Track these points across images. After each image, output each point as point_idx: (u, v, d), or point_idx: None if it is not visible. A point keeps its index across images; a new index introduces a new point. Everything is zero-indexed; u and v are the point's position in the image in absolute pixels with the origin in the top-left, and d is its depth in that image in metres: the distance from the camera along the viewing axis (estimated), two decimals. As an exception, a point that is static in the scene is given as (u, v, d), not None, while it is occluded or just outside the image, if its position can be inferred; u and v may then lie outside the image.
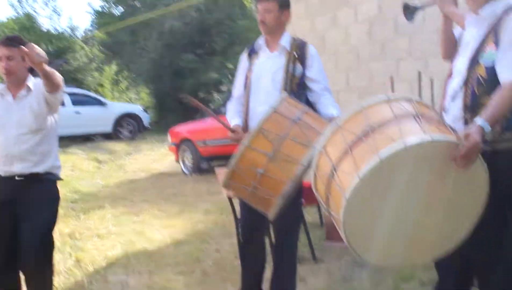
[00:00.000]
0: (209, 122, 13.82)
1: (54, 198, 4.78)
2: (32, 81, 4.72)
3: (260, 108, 4.53)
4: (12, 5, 45.28)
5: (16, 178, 4.61)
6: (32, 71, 4.68)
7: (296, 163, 3.83)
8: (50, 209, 4.72)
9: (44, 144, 4.67)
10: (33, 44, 4.19)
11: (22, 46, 4.18)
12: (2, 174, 4.65)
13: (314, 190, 3.42)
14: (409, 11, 4.44)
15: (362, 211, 3.05)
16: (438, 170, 3.01)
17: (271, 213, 4.04)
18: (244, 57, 5.09)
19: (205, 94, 21.73)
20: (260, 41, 4.98)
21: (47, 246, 4.69)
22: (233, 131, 4.75)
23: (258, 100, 4.75)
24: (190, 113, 22.50)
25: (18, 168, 4.59)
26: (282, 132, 3.91)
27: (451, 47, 4.09)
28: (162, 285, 6.11)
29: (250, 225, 4.85)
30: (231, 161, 3.97)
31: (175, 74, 26.75)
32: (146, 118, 24.37)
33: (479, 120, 3.11)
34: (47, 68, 4.28)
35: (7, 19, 37.98)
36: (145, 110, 25.65)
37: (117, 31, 32.16)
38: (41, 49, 4.20)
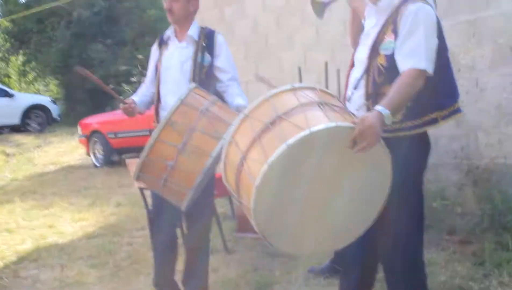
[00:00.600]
0: (119, 114, 13.63)
1: None
2: None
3: (170, 99, 4.51)
4: None
5: None
6: None
7: (205, 155, 3.86)
8: None
9: None
10: None
11: None
12: None
13: (224, 181, 3.44)
14: (318, 7, 4.53)
15: (273, 199, 3.09)
16: (343, 155, 3.08)
17: (183, 204, 4.06)
18: (154, 48, 5.08)
19: (115, 85, 21.40)
20: (169, 32, 4.96)
21: None
22: (123, 101, 4.70)
23: (168, 91, 4.74)
24: (100, 105, 22.20)
25: None
26: (191, 123, 3.92)
27: (356, 37, 4.19)
28: (74, 279, 6.06)
29: (161, 216, 4.84)
30: (141, 154, 3.97)
31: (84, 65, 26.05)
32: (55, 110, 23.90)
33: (378, 106, 3.20)
34: None
35: None
36: (54, 102, 25.13)
37: (23, 19, 31.28)
38: None
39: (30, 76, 35.22)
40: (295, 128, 3.00)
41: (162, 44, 4.99)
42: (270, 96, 3.28)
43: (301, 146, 2.95)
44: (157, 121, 4.74)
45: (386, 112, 3.15)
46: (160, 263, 4.98)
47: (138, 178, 4.16)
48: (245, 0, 9.04)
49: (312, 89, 3.33)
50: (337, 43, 7.40)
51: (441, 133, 6.12)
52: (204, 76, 4.75)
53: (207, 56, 4.80)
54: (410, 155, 3.51)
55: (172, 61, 4.84)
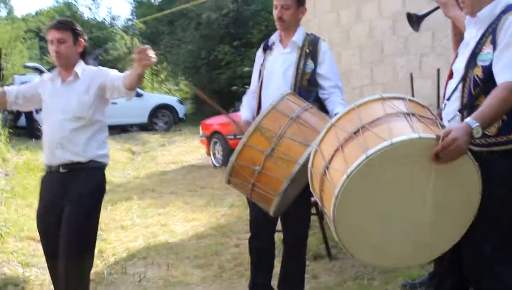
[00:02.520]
0: (239, 116, 13.79)
1: (97, 186, 4.62)
2: (82, 68, 4.60)
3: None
4: (53, -6, 46.04)
5: (61, 170, 4.51)
6: (83, 57, 4.64)
7: (293, 161, 3.84)
8: (92, 197, 4.57)
9: (86, 132, 4.51)
10: (146, 46, 4.12)
11: (145, 48, 4.04)
12: (48, 162, 4.57)
13: (311, 189, 3.43)
14: (414, 21, 4.44)
15: (352, 209, 3.04)
16: (426, 167, 2.99)
17: (271, 210, 4.07)
18: (259, 53, 5.13)
19: (240, 86, 21.69)
20: (274, 37, 4.99)
21: (86, 237, 4.55)
22: (239, 128, 4.78)
23: (269, 96, 4.74)
24: (226, 106, 22.57)
25: (60, 155, 4.47)
26: (280, 129, 3.92)
27: (457, 46, 4.09)
28: (178, 278, 6.19)
29: (257, 220, 4.87)
30: (231, 158, 4.01)
31: (212, 66, 26.74)
32: (181, 110, 24.47)
33: (468, 118, 3.08)
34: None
35: (48, 8, 38.61)
36: (181, 102, 25.76)
37: (155, 21, 32.34)
38: (153, 52, 4.07)
39: (162, 76, 36.32)
40: (377, 138, 2.96)
41: (267, 49, 5.04)
42: (357, 105, 3.24)
43: (382, 157, 2.90)
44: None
45: (475, 124, 3.03)
46: (256, 267, 5.02)
47: (229, 182, 4.20)
48: (362, 4, 8.93)
49: (402, 99, 3.25)
50: (452, 49, 7.19)
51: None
52: (305, 82, 4.75)
53: (310, 63, 4.78)
54: (504, 170, 3.36)
55: (275, 66, 4.86)
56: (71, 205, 4.45)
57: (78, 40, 4.56)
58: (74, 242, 4.45)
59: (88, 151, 4.52)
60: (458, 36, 4.24)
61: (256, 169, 3.91)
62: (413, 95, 6.66)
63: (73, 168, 4.49)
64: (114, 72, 4.56)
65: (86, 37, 4.66)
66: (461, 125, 3.04)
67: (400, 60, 8.34)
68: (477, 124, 3.04)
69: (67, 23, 4.58)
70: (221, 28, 26.75)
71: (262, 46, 5.13)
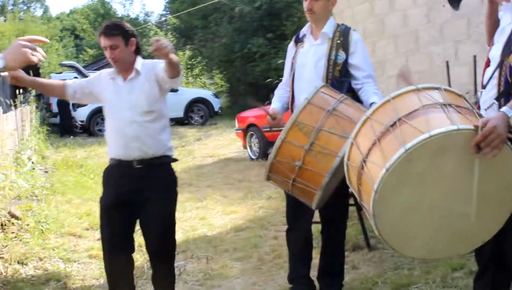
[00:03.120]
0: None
1: (173, 180, 4.74)
2: (140, 63, 4.64)
3: (303, 97, 4.54)
4: (87, -8, 46.54)
5: (135, 165, 4.56)
6: (138, 52, 4.68)
7: (333, 154, 3.86)
8: (172, 191, 4.71)
9: (157, 125, 4.58)
10: (158, 37, 4.15)
11: (155, 41, 4.05)
12: (119, 157, 4.61)
13: (348, 182, 3.44)
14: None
15: (393, 203, 3.05)
16: (466, 159, 2.98)
17: (313, 204, 4.09)
18: (290, 45, 5.13)
19: (276, 78, 21.65)
20: (305, 29, 4.99)
21: (172, 228, 4.79)
22: (272, 117, 4.78)
23: (301, 88, 4.77)
24: (261, 99, 22.56)
25: (135, 151, 4.53)
26: (317, 123, 3.93)
27: (491, 34, 4.04)
28: (218, 271, 6.22)
29: (294, 212, 4.90)
30: (270, 155, 4.03)
31: (246, 59, 26.78)
32: (217, 103, 24.58)
33: (504, 108, 3.06)
34: (174, 57, 4.21)
35: (83, 6, 39.01)
36: (216, 95, 25.88)
37: (188, 15, 32.47)
38: (166, 40, 4.12)
39: (197, 70, 36.49)
40: (415, 131, 2.95)
41: (298, 41, 5.04)
42: (393, 97, 3.23)
43: (420, 150, 2.90)
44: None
45: (511, 113, 3.01)
46: (294, 259, 5.05)
47: (268, 178, 4.23)
48: (395, -7, 8.89)
49: (437, 89, 3.24)
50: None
51: None
52: (338, 74, 4.74)
53: (342, 54, 4.77)
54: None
55: (306, 58, 4.87)
56: (156, 205, 4.55)
57: (129, 40, 4.58)
58: (166, 242, 4.73)
59: (161, 143, 4.61)
60: (493, 22, 4.18)
61: (296, 164, 3.93)
62: (449, 83, 6.63)
63: (149, 163, 4.55)
64: (161, 64, 4.61)
65: (136, 33, 4.69)
66: (498, 114, 3.02)
67: (435, 48, 8.29)
68: None
69: (115, 27, 4.58)
70: (254, 21, 26.76)
71: (293, 38, 5.13)
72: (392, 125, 3.07)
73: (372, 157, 3.11)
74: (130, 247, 4.75)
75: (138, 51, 4.66)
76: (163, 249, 4.71)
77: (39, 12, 59.69)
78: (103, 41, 4.54)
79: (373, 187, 2.99)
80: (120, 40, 4.52)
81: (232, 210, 9.10)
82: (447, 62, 6.72)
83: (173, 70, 4.33)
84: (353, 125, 3.61)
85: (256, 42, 25.87)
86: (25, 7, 58.46)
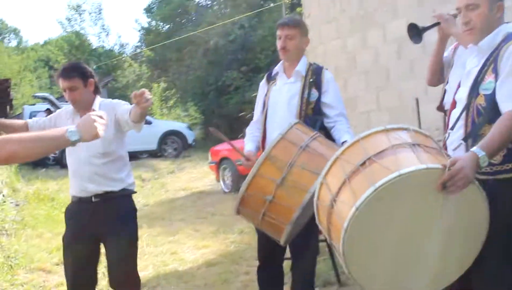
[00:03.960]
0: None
1: (131, 212, 4.75)
2: (98, 103, 4.69)
3: (275, 134, 4.57)
4: (61, 23, 46.40)
5: (93, 199, 4.60)
6: (96, 92, 4.71)
7: (304, 190, 3.88)
8: (130, 223, 4.71)
9: (114, 165, 4.64)
10: (144, 90, 4.14)
11: (141, 92, 4.06)
12: (78, 194, 4.66)
13: (317, 221, 3.45)
14: (416, 32, 4.50)
15: (362, 241, 3.07)
16: (435, 198, 3.01)
17: (282, 239, 4.10)
18: (262, 83, 5.18)
19: (249, 111, 21.65)
20: (278, 67, 5.04)
21: (132, 259, 4.73)
22: (246, 158, 4.81)
23: (274, 126, 4.80)
24: (235, 131, 22.61)
25: (92, 188, 4.59)
26: (290, 159, 3.96)
27: (437, 73, 4.59)
28: (188, 308, 6.20)
29: (265, 249, 4.89)
30: (241, 188, 4.05)
31: (220, 92, 26.84)
32: (190, 136, 24.52)
33: (475, 148, 3.11)
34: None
35: (57, 37, 38.93)
36: (190, 128, 25.83)
37: (163, 48, 32.58)
38: (149, 94, 4.13)
39: (171, 102, 36.50)
40: (385, 170, 2.98)
41: (270, 79, 5.07)
42: (362, 137, 3.27)
43: (390, 189, 2.92)
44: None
45: (481, 153, 3.06)
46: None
47: (238, 212, 4.24)
48: (367, 30, 8.99)
49: (405, 130, 3.29)
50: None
51: None
52: (310, 111, 4.79)
53: (314, 92, 4.83)
54: (510, 198, 3.37)
55: (279, 96, 4.91)
56: (113, 235, 4.57)
57: (87, 81, 4.62)
58: (126, 275, 4.65)
59: (119, 180, 4.65)
60: (440, 57, 4.42)
61: (267, 198, 3.95)
62: (419, 120, 6.71)
63: (106, 197, 4.60)
64: (124, 105, 4.62)
65: (94, 73, 4.72)
66: (468, 154, 3.06)
67: (406, 85, 8.38)
68: (484, 153, 3.06)
69: (73, 69, 4.64)
70: (228, 54, 26.90)
71: (265, 76, 5.17)
72: (362, 164, 3.10)
73: (342, 196, 3.13)
74: (92, 281, 4.75)
75: (96, 91, 4.70)
76: (123, 282, 4.66)
77: (13, 43, 59.52)
78: (62, 83, 4.59)
79: (343, 226, 3.01)
80: (79, 81, 4.58)
81: (204, 244, 9.05)
82: (416, 99, 6.80)
83: (142, 118, 4.39)
84: (325, 162, 3.62)
85: (230, 75, 25.98)
86: (-1, 38, 58.32)
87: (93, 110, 4.55)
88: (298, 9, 20.11)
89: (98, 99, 4.70)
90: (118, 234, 4.56)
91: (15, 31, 61.66)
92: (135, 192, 4.87)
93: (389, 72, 8.65)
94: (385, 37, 8.64)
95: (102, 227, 4.56)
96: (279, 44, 4.90)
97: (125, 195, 4.72)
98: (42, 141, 2.85)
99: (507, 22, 3.58)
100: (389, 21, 8.54)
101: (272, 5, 27.98)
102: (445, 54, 4.75)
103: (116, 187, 4.63)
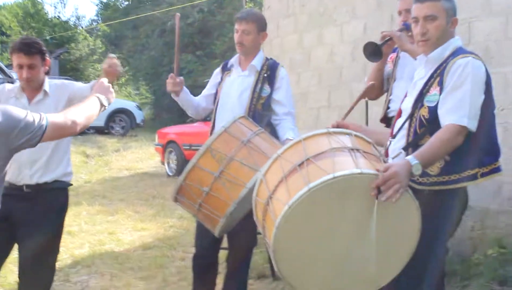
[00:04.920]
0: (196, 126, 13.85)
1: (59, 209, 4.55)
2: (48, 84, 4.49)
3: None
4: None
5: (24, 189, 4.36)
6: (47, 73, 4.51)
7: (241, 185, 3.88)
8: (55, 220, 4.50)
9: (57, 150, 4.43)
10: (112, 55, 4.02)
11: (109, 59, 4.05)
12: (13, 182, 4.31)
13: (254, 218, 3.46)
14: (373, 50, 4.54)
15: (293, 240, 3.07)
16: (368, 202, 3.03)
17: (216, 231, 4.10)
18: (217, 71, 5.19)
19: (201, 96, 21.56)
20: (234, 60, 5.04)
21: (50, 257, 4.55)
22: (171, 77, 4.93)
23: (223, 117, 4.77)
24: (185, 114, 22.47)
25: (26, 176, 4.34)
26: (230, 152, 3.96)
27: (378, 87, 4.81)
28: (120, 289, 6.15)
29: (203, 237, 4.88)
30: (179, 177, 4.04)
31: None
32: (139, 115, 24.35)
33: (409, 156, 3.16)
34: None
35: (12, 3, 38.09)
36: (139, 108, 25.62)
37: (120, 24, 32.23)
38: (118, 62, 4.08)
39: (123, 80, 36.16)
40: (320, 172, 2.99)
41: (225, 70, 5.08)
42: (304, 138, 3.28)
43: (323, 190, 2.94)
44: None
45: (415, 162, 3.11)
46: (198, 284, 5.03)
47: (176, 200, 4.23)
48: (324, 28, 9.00)
49: (348, 134, 3.31)
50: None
51: (504, 180, 5.93)
52: (260, 106, 4.82)
53: (267, 88, 4.86)
54: (445, 210, 3.45)
55: (232, 88, 4.92)
56: (32, 228, 4.36)
57: (45, 60, 4.43)
58: (33, 269, 4.41)
59: (58, 169, 4.45)
60: (380, 73, 4.52)
61: (204, 190, 3.94)
62: (367, 121, 6.76)
63: (38, 189, 4.38)
64: (79, 84, 4.52)
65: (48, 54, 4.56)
66: (402, 162, 3.12)
67: (358, 86, 8.42)
68: (417, 161, 3.12)
69: (36, 46, 4.37)
70: (185, 36, 26.71)
71: (221, 66, 5.19)
72: (300, 165, 3.11)
73: (277, 194, 3.14)
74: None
75: (48, 72, 4.54)
76: (35, 280, 4.45)
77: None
78: (20, 59, 4.32)
79: (275, 223, 3.02)
80: (38, 59, 4.37)
81: (142, 227, 9.04)
82: (366, 101, 6.85)
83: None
84: (265, 159, 3.63)
85: (184, 58, 25.84)
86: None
87: (45, 90, 4.45)
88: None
89: (47, 80, 4.51)
90: (39, 227, 4.36)
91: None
92: (71, 184, 4.68)
93: (342, 72, 8.69)
94: (342, 36, 8.66)
95: (25, 217, 4.35)
96: (235, 38, 4.92)
97: (59, 189, 4.51)
98: (95, 110, 3.33)
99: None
100: (348, 21, 8.56)
101: (233, -9, 27.94)
102: None
103: (54, 175, 4.43)
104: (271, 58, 5.07)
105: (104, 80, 3.33)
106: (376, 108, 7.19)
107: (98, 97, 3.31)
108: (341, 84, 8.70)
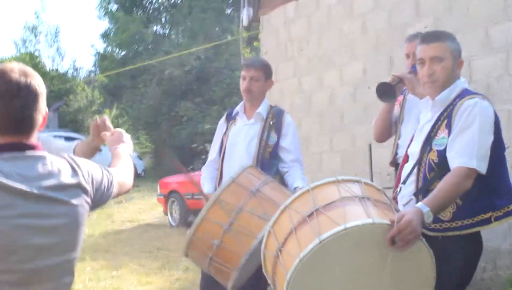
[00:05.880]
0: (198, 176, 13.70)
1: None
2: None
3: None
4: (15, 43, 45.82)
5: None
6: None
7: (252, 236, 3.82)
8: None
9: None
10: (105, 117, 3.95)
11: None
12: None
13: (263, 271, 3.37)
14: (387, 90, 4.47)
15: (305, 294, 2.98)
16: (380, 253, 2.96)
17: (229, 285, 4.01)
18: (221, 122, 5.13)
19: (201, 143, 21.61)
20: (238, 108, 5.00)
21: None
22: (206, 199, 4.70)
23: (231, 167, 4.74)
24: (185, 163, 22.43)
25: None
26: (239, 203, 3.91)
27: (387, 130, 4.77)
28: None
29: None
30: (189, 231, 3.95)
31: (173, 122, 26.74)
32: (140, 166, 24.32)
33: (419, 203, 3.08)
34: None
35: (9, 57, 38.29)
36: (140, 158, 25.58)
37: (117, 75, 32.39)
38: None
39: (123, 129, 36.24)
40: (331, 223, 2.93)
41: (230, 119, 5.04)
42: (312, 187, 3.21)
43: (335, 242, 2.87)
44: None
45: (426, 209, 3.04)
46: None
47: (187, 255, 4.14)
48: (323, 71, 8.98)
49: (357, 182, 3.24)
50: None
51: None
52: (268, 155, 4.79)
53: (273, 135, 4.84)
54: (459, 256, 3.34)
55: (238, 137, 4.90)
56: None
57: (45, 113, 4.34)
58: None
59: None
60: (390, 115, 4.44)
61: (214, 243, 3.88)
62: (371, 165, 6.68)
63: None
64: (58, 142, 4.40)
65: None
66: (413, 209, 3.04)
67: (359, 128, 8.36)
68: (428, 208, 3.04)
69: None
70: (183, 84, 26.86)
71: (225, 115, 5.15)
72: (309, 215, 3.04)
73: (287, 246, 3.07)
74: None
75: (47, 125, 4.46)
76: None
77: (-36, 61, 58.53)
78: None
79: (286, 277, 2.93)
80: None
81: (147, 280, 8.87)
82: (370, 145, 6.77)
83: (92, 155, 3.87)
84: (276, 208, 3.56)
85: (183, 106, 25.88)
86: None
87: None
88: (255, 44, 20.14)
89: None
90: None
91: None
92: None
93: (344, 115, 8.63)
94: (342, 79, 8.63)
95: None
96: (243, 85, 4.90)
97: None
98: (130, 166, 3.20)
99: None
100: (347, 63, 8.54)
101: (230, 38, 28.10)
102: None
103: None
104: (275, 105, 5.08)
105: (118, 129, 3.24)
106: (381, 150, 7.12)
107: (125, 150, 3.19)
108: (343, 127, 8.65)
